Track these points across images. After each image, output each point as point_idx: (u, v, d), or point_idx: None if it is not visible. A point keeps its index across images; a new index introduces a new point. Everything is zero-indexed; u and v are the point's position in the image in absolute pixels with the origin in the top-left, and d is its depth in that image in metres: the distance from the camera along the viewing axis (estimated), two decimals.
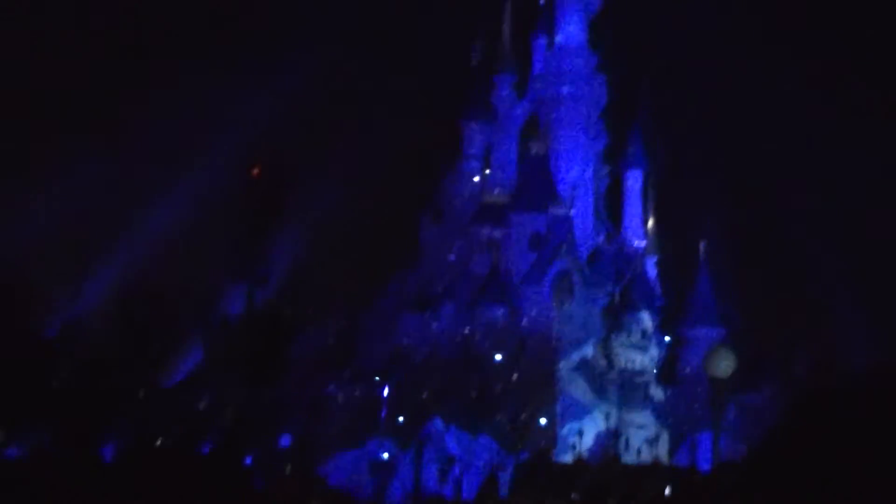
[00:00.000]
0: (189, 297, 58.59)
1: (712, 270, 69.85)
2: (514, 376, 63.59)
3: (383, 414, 60.89)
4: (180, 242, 64.16)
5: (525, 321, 65.98)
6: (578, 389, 64.50)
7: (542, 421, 62.23)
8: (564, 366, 64.47)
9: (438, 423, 58.57)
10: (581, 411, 63.72)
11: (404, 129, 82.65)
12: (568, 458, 60.55)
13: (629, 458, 62.00)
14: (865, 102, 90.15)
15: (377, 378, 63.21)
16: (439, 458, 57.52)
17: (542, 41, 74.88)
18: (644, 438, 64.01)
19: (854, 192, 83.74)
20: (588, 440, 62.92)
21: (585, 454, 61.05)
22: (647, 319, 66.96)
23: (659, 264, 73.55)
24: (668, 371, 67.66)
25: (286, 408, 59.16)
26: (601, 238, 72.01)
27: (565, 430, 62.85)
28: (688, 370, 66.16)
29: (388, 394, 62.16)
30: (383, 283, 72.47)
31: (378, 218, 76.95)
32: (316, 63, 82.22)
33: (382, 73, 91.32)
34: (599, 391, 64.96)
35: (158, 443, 53.30)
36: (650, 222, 73.98)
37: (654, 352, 66.67)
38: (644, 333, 66.54)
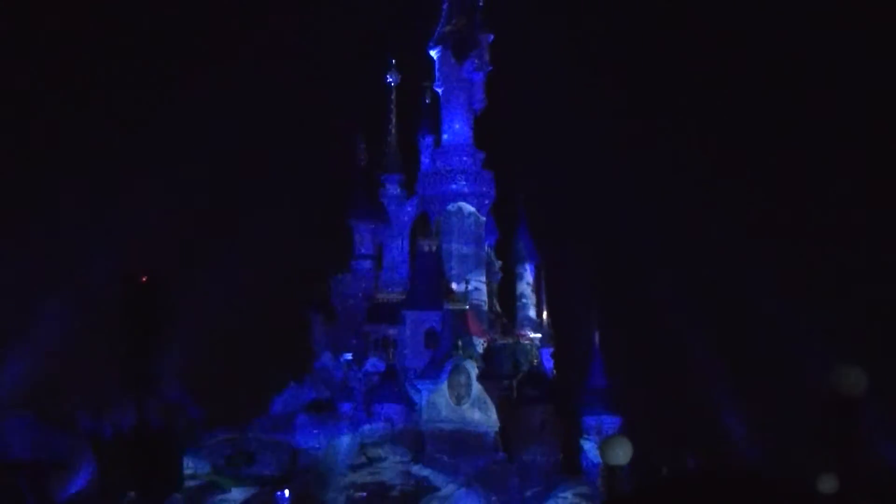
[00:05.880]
0: (82, 409, 57.29)
1: (606, 360, 70.37)
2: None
3: None
4: (67, 353, 62.88)
5: (423, 418, 65.80)
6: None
7: None
8: None
9: None
10: None
11: (293, 232, 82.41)
12: None
13: None
14: (748, 196, 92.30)
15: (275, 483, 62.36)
16: None
17: (429, 139, 75.65)
18: None
19: (746, 282, 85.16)
20: None
21: None
22: (544, 411, 67.07)
23: (554, 356, 73.90)
24: (569, 461, 67.65)
25: None
26: (496, 332, 72.30)
27: None
28: (588, 459, 66.34)
29: (288, 498, 61.42)
30: (277, 386, 71.55)
31: (270, 321, 76.31)
32: (200, 167, 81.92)
33: (268, 176, 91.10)
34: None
35: None
36: (544, 314, 74.45)
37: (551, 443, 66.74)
38: (542, 424, 66.63)
